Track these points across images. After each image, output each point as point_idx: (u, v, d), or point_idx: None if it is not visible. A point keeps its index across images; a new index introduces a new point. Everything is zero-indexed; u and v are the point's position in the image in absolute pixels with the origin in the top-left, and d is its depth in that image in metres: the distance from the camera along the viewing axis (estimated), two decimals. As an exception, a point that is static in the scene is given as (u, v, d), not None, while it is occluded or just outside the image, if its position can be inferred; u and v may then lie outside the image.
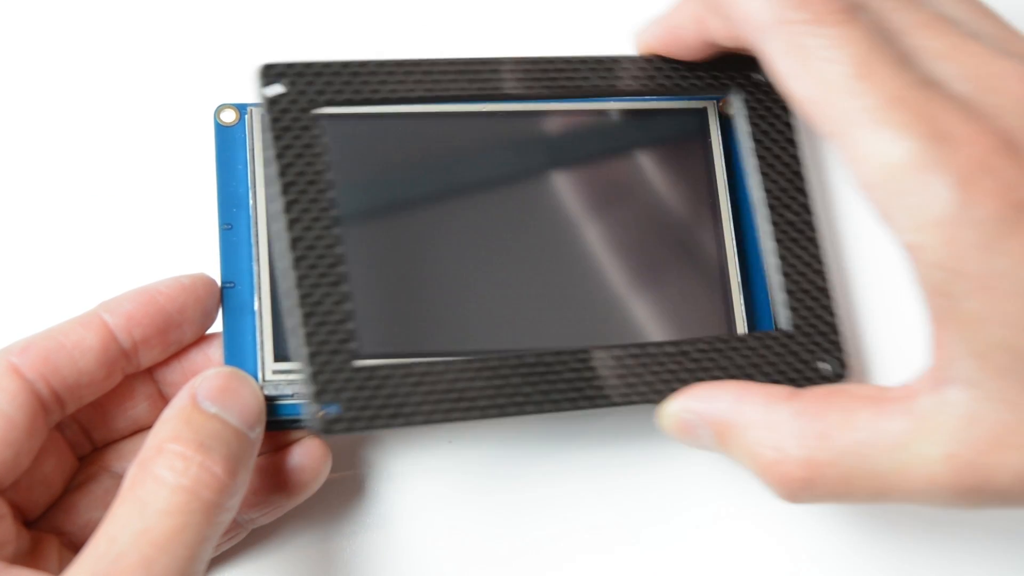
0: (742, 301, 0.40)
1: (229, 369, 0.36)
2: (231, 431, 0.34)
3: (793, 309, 0.39)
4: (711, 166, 0.41)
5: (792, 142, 0.41)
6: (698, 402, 0.36)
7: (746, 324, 0.40)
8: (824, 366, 0.38)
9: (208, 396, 0.35)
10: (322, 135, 0.37)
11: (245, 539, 0.39)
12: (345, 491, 0.40)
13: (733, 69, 0.41)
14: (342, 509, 0.40)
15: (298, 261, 0.35)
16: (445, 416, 0.36)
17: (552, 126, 0.41)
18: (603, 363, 0.37)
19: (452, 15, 0.46)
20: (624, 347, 0.37)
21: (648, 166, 0.41)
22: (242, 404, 0.35)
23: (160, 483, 0.33)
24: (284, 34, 0.46)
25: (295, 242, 0.36)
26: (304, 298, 0.35)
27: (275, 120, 0.36)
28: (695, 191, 0.41)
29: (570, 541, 0.40)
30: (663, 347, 0.38)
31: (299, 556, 0.40)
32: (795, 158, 0.41)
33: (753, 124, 0.41)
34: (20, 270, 0.43)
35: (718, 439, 0.36)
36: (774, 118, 0.41)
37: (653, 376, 0.37)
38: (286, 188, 0.36)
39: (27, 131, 0.44)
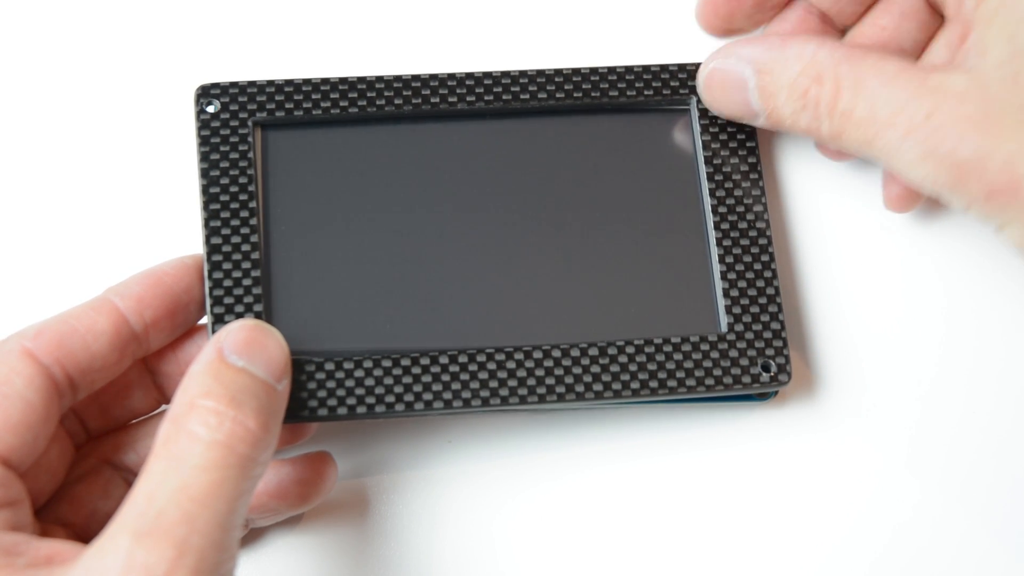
0: (723, 298, 0.40)
1: (252, 321, 0.35)
2: (259, 384, 0.34)
3: (735, 314, 0.39)
4: (695, 165, 0.41)
5: (752, 151, 0.41)
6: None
7: (728, 322, 0.40)
8: (764, 372, 0.39)
9: (234, 349, 0.34)
10: (252, 149, 0.38)
11: (242, 538, 0.38)
12: (344, 490, 0.40)
13: (691, 79, 0.41)
14: (341, 508, 0.40)
15: (214, 267, 0.37)
16: (349, 413, 0.37)
17: (508, 130, 0.41)
18: (517, 363, 0.38)
19: (423, 34, 0.46)
20: (551, 345, 0.38)
21: (625, 162, 0.41)
22: (268, 356, 0.34)
23: (195, 439, 0.32)
24: (274, 35, 0.45)
25: (213, 249, 0.37)
26: (216, 301, 0.37)
27: (205, 137, 0.39)
28: (678, 190, 0.41)
29: (569, 538, 0.40)
30: (589, 347, 0.38)
31: (297, 556, 0.39)
32: (753, 166, 0.41)
33: (710, 133, 0.41)
34: (14, 257, 0.42)
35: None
36: (734, 127, 0.41)
37: (572, 376, 0.38)
38: (209, 200, 0.38)
39: (17, 121, 0.44)
